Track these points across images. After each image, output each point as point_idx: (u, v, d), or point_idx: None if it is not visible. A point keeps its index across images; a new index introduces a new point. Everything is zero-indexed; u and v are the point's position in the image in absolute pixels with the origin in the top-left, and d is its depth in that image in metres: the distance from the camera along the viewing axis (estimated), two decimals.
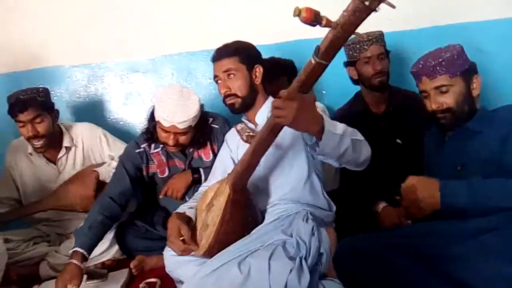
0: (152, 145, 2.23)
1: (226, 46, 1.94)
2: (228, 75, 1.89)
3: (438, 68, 1.61)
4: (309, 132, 1.46)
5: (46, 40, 2.86)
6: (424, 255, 1.32)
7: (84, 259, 1.90)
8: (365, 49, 2.19)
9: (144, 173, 2.25)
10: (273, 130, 1.54)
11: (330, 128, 1.45)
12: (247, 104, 1.90)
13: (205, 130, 2.21)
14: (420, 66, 1.65)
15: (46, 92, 2.39)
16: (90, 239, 1.95)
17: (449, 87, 1.62)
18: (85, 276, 2.07)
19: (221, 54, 1.92)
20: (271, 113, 1.46)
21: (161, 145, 2.21)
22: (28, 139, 2.32)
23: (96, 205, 2.09)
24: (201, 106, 2.13)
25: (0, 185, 2.51)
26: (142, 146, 2.24)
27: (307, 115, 1.39)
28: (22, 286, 2.10)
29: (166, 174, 2.27)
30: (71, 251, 1.93)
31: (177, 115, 2.01)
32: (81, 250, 1.90)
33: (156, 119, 2.07)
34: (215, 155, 2.21)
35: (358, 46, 2.19)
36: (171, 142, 2.08)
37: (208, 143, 2.25)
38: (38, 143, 2.32)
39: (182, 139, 2.10)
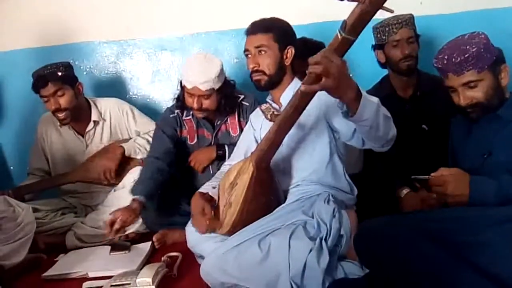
0: (184, 112, 2.32)
1: (262, 21, 1.90)
2: (260, 51, 1.86)
3: (465, 64, 1.54)
4: (345, 97, 1.38)
5: (76, 15, 2.89)
6: (448, 241, 1.30)
7: (142, 206, 2.03)
8: (394, 32, 2.15)
9: (179, 136, 2.35)
10: (299, 104, 1.53)
11: (367, 95, 1.42)
12: (273, 83, 1.89)
13: (231, 100, 2.25)
14: (445, 62, 1.58)
15: (67, 66, 2.43)
16: (147, 186, 2.09)
17: (478, 82, 1.56)
18: (108, 248, 2.15)
19: (256, 28, 1.88)
20: (300, 86, 1.44)
21: (191, 112, 2.28)
22: (53, 112, 2.38)
23: (144, 166, 2.23)
24: (223, 71, 2.20)
25: (31, 156, 2.59)
26: (176, 111, 2.33)
27: (345, 77, 1.34)
28: (49, 254, 2.16)
29: (195, 141, 2.34)
30: (134, 196, 2.05)
31: (199, 76, 2.10)
32: (139, 198, 2.03)
33: (183, 84, 2.17)
34: (242, 131, 2.23)
35: (387, 29, 2.15)
36: (195, 105, 2.15)
37: (236, 118, 2.29)
38: (61, 115, 2.38)
39: (206, 103, 2.16)
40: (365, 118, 1.43)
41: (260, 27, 1.88)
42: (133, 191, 2.09)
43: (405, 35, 2.15)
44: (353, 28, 1.25)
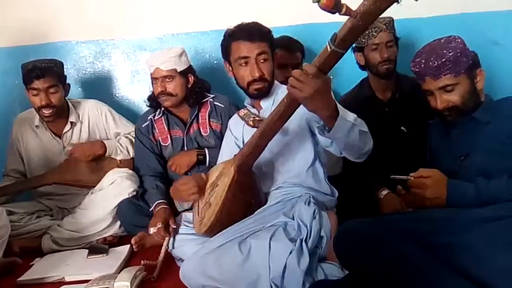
0: (156, 112, 2.38)
1: (259, 27, 1.86)
2: (263, 59, 1.82)
3: (442, 68, 1.56)
4: (320, 114, 1.43)
5: (53, 14, 2.84)
6: (428, 242, 1.31)
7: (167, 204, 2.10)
8: (374, 36, 2.17)
9: (155, 142, 2.39)
10: (285, 112, 1.53)
11: (343, 114, 1.44)
12: (269, 90, 1.89)
13: (197, 91, 2.32)
14: (423, 66, 1.60)
15: (61, 65, 2.43)
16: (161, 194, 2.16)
17: (454, 86, 1.58)
18: (86, 251, 2.12)
19: (256, 35, 1.82)
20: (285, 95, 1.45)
21: (163, 110, 2.35)
22: (39, 108, 2.33)
23: (145, 183, 2.32)
24: (187, 58, 2.32)
25: (7, 157, 2.54)
26: (148, 118, 2.38)
27: (324, 96, 1.37)
28: (24, 258, 2.11)
29: (168, 142, 2.36)
30: (153, 205, 2.11)
31: (158, 57, 2.24)
32: (162, 201, 2.11)
33: (149, 72, 2.28)
34: (213, 132, 2.32)
35: (367, 32, 2.17)
36: (159, 89, 2.22)
37: (206, 118, 2.33)
38: (48, 112, 2.33)
39: (170, 86, 2.24)
40: (338, 136, 1.47)
41: (260, 34, 1.84)
42: (151, 200, 2.17)
43: (385, 38, 2.18)
44: (343, 42, 1.24)
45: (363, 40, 2.20)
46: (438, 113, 1.66)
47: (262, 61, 1.83)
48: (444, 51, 1.58)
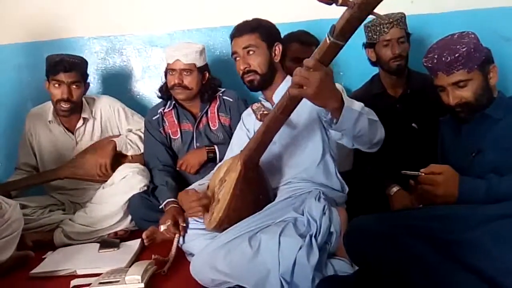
0: (166, 105, 2.39)
1: (246, 23, 1.92)
2: (248, 51, 1.86)
3: (455, 63, 1.55)
4: (327, 107, 1.43)
5: (66, 10, 2.86)
6: (437, 239, 1.31)
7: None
8: (385, 32, 2.16)
9: (164, 135, 2.40)
10: (287, 106, 1.53)
11: (349, 104, 1.43)
12: (266, 82, 1.89)
13: (211, 88, 2.34)
14: (435, 61, 1.58)
15: (86, 63, 2.47)
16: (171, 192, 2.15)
17: (467, 81, 1.56)
18: (97, 245, 2.14)
19: (241, 30, 1.89)
20: (288, 89, 1.45)
21: (173, 103, 2.36)
22: (58, 101, 2.35)
23: (154, 177, 2.31)
24: (205, 56, 2.35)
25: (19, 151, 2.56)
26: (158, 111, 2.40)
27: (328, 89, 1.36)
28: (37, 251, 2.13)
29: (178, 136, 2.38)
30: (163, 203, 2.11)
31: (181, 49, 2.25)
32: (172, 199, 2.09)
33: (166, 62, 2.30)
34: (222, 126, 2.33)
35: (378, 28, 2.16)
36: (176, 81, 2.24)
37: (216, 112, 2.36)
38: (66, 106, 2.36)
39: (187, 79, 2.26)
40: (345, 128, 1.47)
41: (245, 28, 1.89)
42: (161, 198, 2.17)
43: (396, 34, 2.16)
44: (341, 33, 1.24)
45: (375, 36, 2.18)
46: (450, 110, 1.65)
47: (249, 53, 1.86)
48: (457, 47, 1.56)
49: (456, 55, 1.55)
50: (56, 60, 2.33)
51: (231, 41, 1.93)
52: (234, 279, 1.54)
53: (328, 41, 1.27)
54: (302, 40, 2.38)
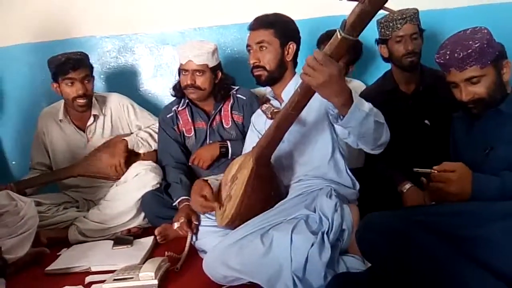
0: (180, 103, 2.40)
1: (265, 17, 1.91)
2: (261, 47, 1.87)
3: (467, 59, 1.53)
4: (334, 102, 1.43)
5: (77, 10, 2.89)
6: (450, 235, 1.30)
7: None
8: (398, 28, 2.14)
9: (178, 133, 2.41)
10: (298, 102, 1.53)
11: (358, 103, 1.43)
12: (274, 79, 1.89)
13: (224, 87, 2.34)
14: (448, 57, 1.57)
15: (88, 57, 2.50)
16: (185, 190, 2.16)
17: (480, 77, 1.55)
18: (111, 242, 2.16)
19: (258, 24, 1.89)
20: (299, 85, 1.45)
21: (187, 101, 2.36)
22: (74, 98, 2.39)
23: (168, 174, 2.34)
24: (218, 54, 2.33)
25: (32, 150, 2.60)
26: (172, 109, 2.41)
27: (336, 83, 1.36)
28: (52, 248, 2.16)
29: (192, 133, 2.39)
30: (176, 201, 2.13)
31: (193, 50, 2.25)
32: (186, 197, 2.11)
33: (179, 62, 2.30)
34: (235, 124, 2.34)
35: (391, 24, 2.15)
36: (188, 81, 2.24)
37: (229, 110, 2.36)
38: (84, 101, 2.40)
39: (199, 80, 2.26)
40: (351, 125, 1.46)
41: (262, 22, 1.88)
42: (175, 195, 2.19)
43: (409, 31, 2.15)
44: (352, 28, 1.24)
45: (387, 32, 2.17)
46: (463, 106, 1.64)
47: (261, 49, 1.86)
48: (470, 42, 1.55)
49: (469, 50, 1.53)
50: (62, 61, 2.35)
51: (249, 32, 1.92)
52: (246, 275, 1.55)
53: (339, 36, 1.27)
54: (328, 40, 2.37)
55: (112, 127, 2.56)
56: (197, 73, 2.25)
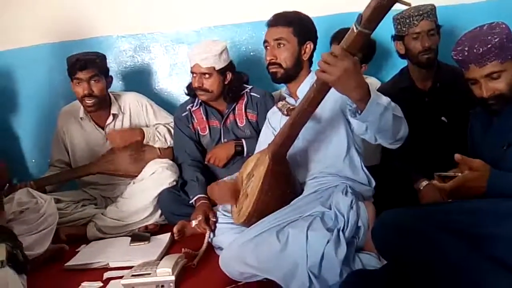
0: (194, 103, 2.41)
1: (284, 14, 1.91)
2: (278, 43, 1.86)
3: (487, 55, 1.51)
4: (352, 96, 1.42)
5: (94, 10, 2.91)
6: (466, 233, 1.29)
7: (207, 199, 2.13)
8: (415, 24, 2.12)
9: (193, 131, 2.44)
10: (314, 98, 1.53)
11: (376, 98, 1.42)
12: (289, 76, 1.89)
13: (234, 87, 2.34)
14: (466, 53, 1.54)
15: (103, 58, 2.52)
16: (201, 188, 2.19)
17: (501, 73, 1.52)
18: (128, 239, 2.19)
19: (277, 21, 1.88)
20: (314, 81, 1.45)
21: (200, 101, 2.38)
22: (82, 98, 2.42)
23: (184, 172, 2.36)
24: (227, 54, 2.32)
25: (52, 148, 2.64)
26: (187, 108, 2.42)
27: (353, 78, 1.36)
28: (71, 245, 2.20)
29: (206, 132, 2.41)
30: (193, 199, 2.16)
31: (199, 53, 2.25)
32: (203, 195, 2.14)
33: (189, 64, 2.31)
34: (249, 122, 2.35)
35: (407, 20, 2.13)
36: (196, 84, 2.26)
37: (243, 109, 2.37)
38: (90, 101, 2.42)
39: (207, 83, 2.27)
40: (369, 120, 1.45)
41: (282, 20, 1.88)
42: (191, 193, 2.22)
43: (426, 27, 2.13)
44: (368, 22, 1.23)
45: (404, 29, 2.15)
46: (482, 102, 1.61)
47: (279, 46, 1.86)
48: (489, 37, 1.53)
49: (489, 46, 1.51)
50: (73, 61, 2.40)
51: (267, 28, 1.92)
52: (262, 272, 1.56)
53: (355, 30, 1.27)
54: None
55: (130, 125, 2.58)
56: (204, 76, 2.26)
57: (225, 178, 2.03)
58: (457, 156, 1.47)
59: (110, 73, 2.56)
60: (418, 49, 2.14)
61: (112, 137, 2.47)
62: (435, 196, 1.95)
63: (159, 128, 2.54)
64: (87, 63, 2.38)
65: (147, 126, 2.60)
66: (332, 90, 1.51)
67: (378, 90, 2.15)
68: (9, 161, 2.68)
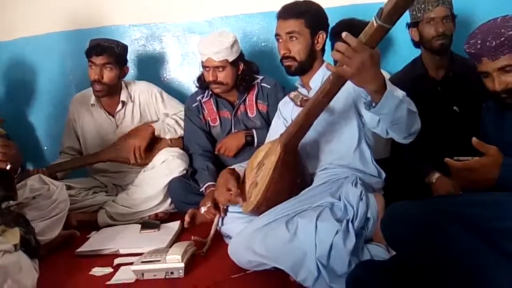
0: (205, 94, 2.42)
1: (295, 5, 1.87)
2: (291, 37, 1.83)
3: (500, 48, 1.48)
4: (368, 88, 1.41)
5: (107, 0, 2.94)
6: (478, 226, 1.28)
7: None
8: (430, 10, 2.10)
9: (204, 122, 2.44)
10: (330, 90, 1.53)
11: (391, 89, 1.42)
12: (304, 68, 1.88)
13: (246, 77, 2.34)
14: (479, 46, 1.52)
15: (124, 48, 2.54)
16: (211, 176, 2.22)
17: None
18: (139, 226, 2.21)
19: (288, 13, 1.85)
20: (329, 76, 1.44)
21: (210, 93, 2.38)
22: (92, 82, 2.45)
23: (194, 162, 2.39)
24: (238, 46, 2.32)
25: (63, 135, 2.67)
26: (197, 98, 2.43)
27: (371, 70, 1.35)
28: (81, 231, 2.22)
29: (217, 123, 2.42)
30: (203, 186, 2.19)
31: (211, 47, 2.24)
32: (212, 183, 2.16)
33: (201, 59, 2.30)
34: (260, 113, 2.34)
35: (423, 6, 2.11)
36: (211, 78, 2.25)
37: (254, 100, 2.37)
38: (99, 87, 2.45)
39: (221, 75, 2.26)
40: (384, 112, 1.45)
41: (293, 12, 1.84)
42: (202, 181, 2.25)
43: (441, 13, 2.11)
44: (389, 16, 1.22)
45: (419, 15, 2.13)
46: (494, 96, 1.60)
47: (291, 39, 1.84)
48: (502, 30, 1.51)
49: (502, 38, 1.49)
50: (92, 44, 2.44)
51: (277, 20, 1.88)
52: (271, 261, 1.56)
53: (375, 24, 1.26)
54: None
55: (140, 114, 2.61)
56: (218, 69, 2.26)
57: (233, 166, 2.03)
58: (474, 139, 1.45)
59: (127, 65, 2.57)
60: (432, 34, 2.12)
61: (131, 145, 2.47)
62: (448, 188, 1.95)
63: (167, 120, 2.56)
64: (104, 50, 2.41)
65: (157, 114, 2.62)
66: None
67: (390, 79, 2.14)
68: (23, 148, 2.70)
